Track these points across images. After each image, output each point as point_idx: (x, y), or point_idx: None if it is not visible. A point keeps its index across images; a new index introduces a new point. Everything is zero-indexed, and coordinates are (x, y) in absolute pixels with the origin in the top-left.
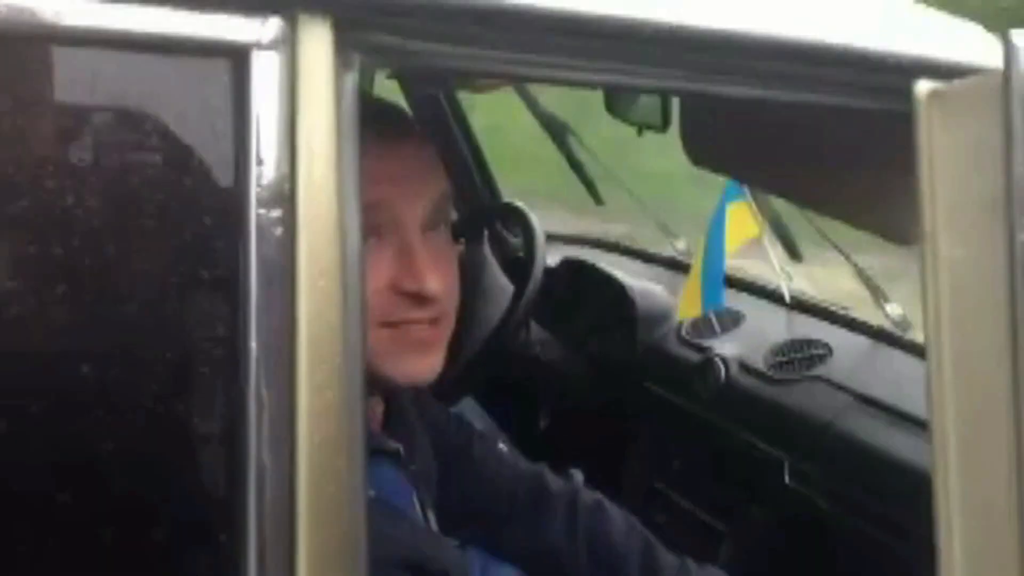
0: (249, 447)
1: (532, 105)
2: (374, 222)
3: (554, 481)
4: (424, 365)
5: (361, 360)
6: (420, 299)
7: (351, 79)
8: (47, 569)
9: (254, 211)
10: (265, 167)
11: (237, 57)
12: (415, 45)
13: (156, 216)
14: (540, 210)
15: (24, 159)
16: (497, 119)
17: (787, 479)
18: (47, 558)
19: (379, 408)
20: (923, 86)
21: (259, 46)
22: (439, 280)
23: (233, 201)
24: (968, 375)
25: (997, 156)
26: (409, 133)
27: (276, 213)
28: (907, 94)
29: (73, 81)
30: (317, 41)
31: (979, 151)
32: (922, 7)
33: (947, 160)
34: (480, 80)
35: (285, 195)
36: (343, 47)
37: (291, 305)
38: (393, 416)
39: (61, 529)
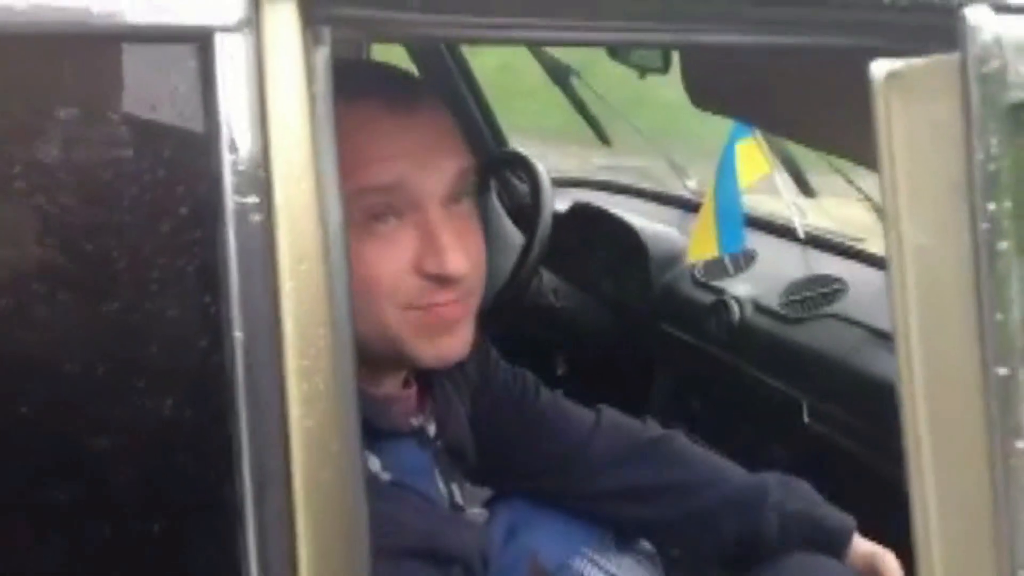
0: (240, 436)
1: (535, 50)
2: (392, 202)
3: (625, 421)
4: (453, 344)
5: (350, 343)
6: (444, 280)
7: (323, 54)
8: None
9: (230, 198)
10: (239, 153)
11: (202, 41)
12: (387, 14)
13: (131, 209)
14: (551, 148)
15: None
16: (506, 58)
17: (806, 418)
18: (41, 554)
19: (411, 388)
20: (879, 66)
21: (223, 28)
22: (463, 259)
23: (208, 189)
24: (937, 363)
25: (957, 139)
26: (420, 103)
27: (253, 199)
28: (878, 28)
29: (37, 76)
30: (283, 19)
31: (938, 134)
32: None
33: (907, 143)
34: None
35: (260, 180)
36: (311, 22)
37: (274, 291)
38: (427, 391)
39: (53, 524)
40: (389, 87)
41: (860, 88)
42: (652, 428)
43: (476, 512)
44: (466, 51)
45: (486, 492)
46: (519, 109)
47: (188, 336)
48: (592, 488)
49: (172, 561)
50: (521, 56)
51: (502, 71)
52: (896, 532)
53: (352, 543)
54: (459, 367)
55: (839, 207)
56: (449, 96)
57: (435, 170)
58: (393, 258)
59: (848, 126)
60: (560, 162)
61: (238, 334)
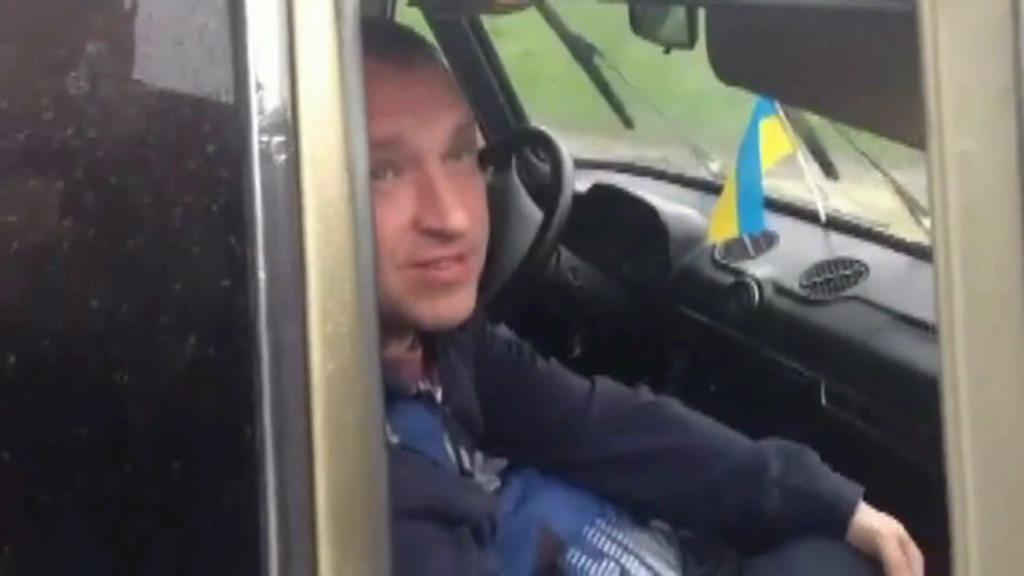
0: (262, 377)
1: (559, 28)
2: (391, 157)
3: (618, 388)
4: (454, 305)
5: (372, 288)
6: (445, 236)
7: None
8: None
9: (256, 138)
10: (265, 92)
11: None
12: None
13: (157, 146)
14: (573, 136)
15: (19, 91)
16: (528, 44)
17: (824, 401)
18: (60, 493)
19: (417, 352)
20: None
21: None
22: (464, 215)
23: (235, 128)
24: (977, 275)
25: (1006, 43)
26: (414, 56)
27: (279, 139)
28: None
29: (65, 11)
30: None
31: (985, 38)
32: None
33: (952, 49)
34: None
35: (287, 121)
36: None
37: (298, 234)
38: (432, 356)
39: (72, 463)
40: (386, 42)
41: (889, 58)
42: (643, 394)
43: (486, 479)
44: (490, 33)
45: (501, 464)
46: (541, 96)
47: (211, 275)
48: (586, 457)
49: (190, 502)
50: (543, 43)
51: (524, 58)
52: (913, 515)
53: (372, 487)
54: (461, 333)
55: (862, 191)
56: (471, 73)
57: (433, 125)
58: (393, 215)
59: (877, 98)
60: (582, 151)
61: (262, 275)
